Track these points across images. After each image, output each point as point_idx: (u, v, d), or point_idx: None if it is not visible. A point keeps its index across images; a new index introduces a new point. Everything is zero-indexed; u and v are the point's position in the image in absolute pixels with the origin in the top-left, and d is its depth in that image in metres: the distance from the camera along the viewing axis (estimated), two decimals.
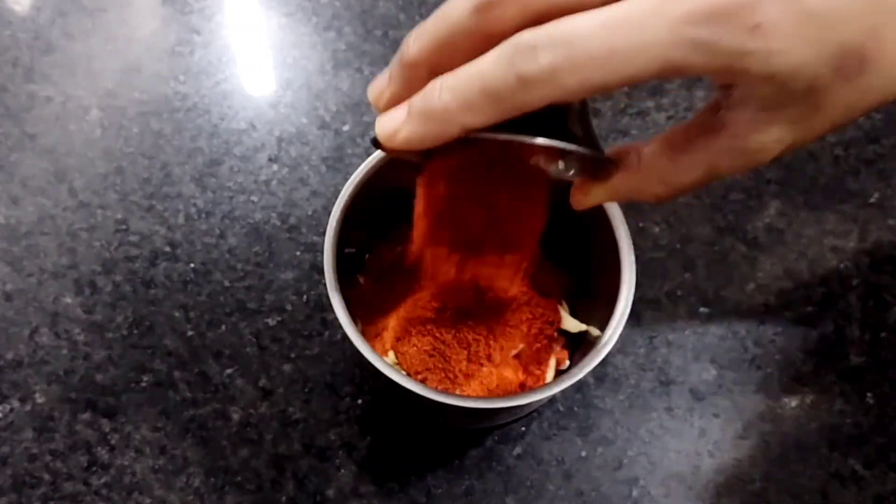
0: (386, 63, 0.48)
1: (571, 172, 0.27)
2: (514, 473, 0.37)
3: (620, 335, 0.30)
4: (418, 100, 0.22)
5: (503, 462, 0.38)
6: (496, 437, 0.38)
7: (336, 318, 0.30)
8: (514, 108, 0.20)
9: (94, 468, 0.37)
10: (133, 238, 0.43)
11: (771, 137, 0.21)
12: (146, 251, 0.42)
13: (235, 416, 0.38)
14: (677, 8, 0.18)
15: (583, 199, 0.27)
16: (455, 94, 0.20)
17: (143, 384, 0.39)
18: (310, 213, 0.44)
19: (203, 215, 0.44)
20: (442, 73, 0.21)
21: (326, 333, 0.40)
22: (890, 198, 0.45)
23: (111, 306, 0.41)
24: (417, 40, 0.22)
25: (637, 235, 0.42)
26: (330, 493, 0.37)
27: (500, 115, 0.20)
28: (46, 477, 0.37)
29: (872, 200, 0.45)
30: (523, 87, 0.19)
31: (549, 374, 0.35)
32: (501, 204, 0.30)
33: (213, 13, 0.51)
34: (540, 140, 0.22)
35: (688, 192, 0.24)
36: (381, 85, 0.24)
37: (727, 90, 0.21)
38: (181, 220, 0.43)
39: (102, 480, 0.37)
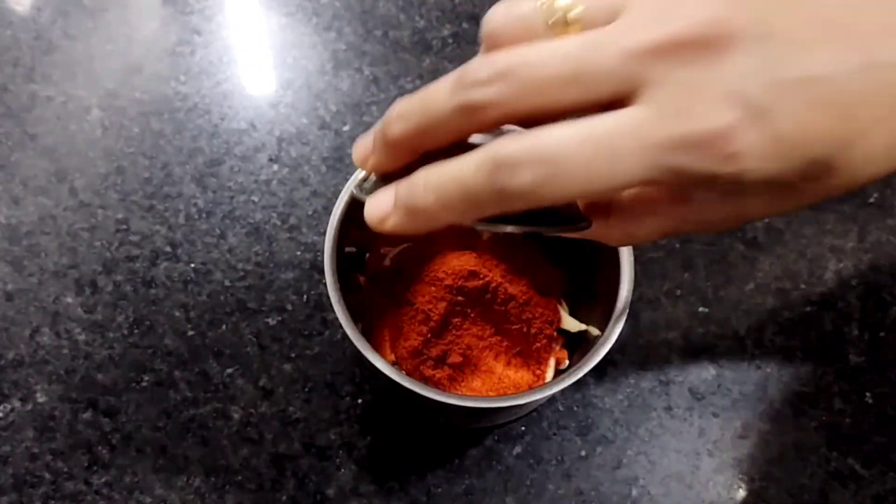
0: (386, 63, 0.49)
1: None
2: (513, 473, 0.38)
3: (619, 335, 0.30)
4: (403, 193, 0.22)
5: (503, 461, 0.38)
6: (496, 437, 0.38)
7: (336, 318, 0.30)
8: (493, 212, 0.21)
9: (95, 467, 0.37)
10: (134, 238, 0.43)
11: (735, 214, 0.22)
12: (147, 251, 0.43)
13: (236, 416, 0.38)
14: (656, 133, 0.19)
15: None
16: (438, 196, 0.21)
17: (144, 384, 0.39)
18: (310, 213, 0.44)
19: (203, 215, 0.44)
20: (423, 150, 0.22)
21: (326, 333, 0.40)
22: (889, 198, 0.45)
23: (112, 306, 0.41)
24: (400, 121, 0.22)
25: None
26: (330, 492, 0.37)
27: (481, 217, 0.21)
28: (47, 476, 0.37)
29: (872, 200, 0.45)
30: (503, 199, 0.20)
31: (549, 374, 0.35)
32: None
33: (214, 13, 0.51)
34: (525, 229, 0.23)
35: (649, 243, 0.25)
36: (365, 149, 0.24)
37: None
38: (182, 219, 0.43)
39: (103, 480, 0.37)
